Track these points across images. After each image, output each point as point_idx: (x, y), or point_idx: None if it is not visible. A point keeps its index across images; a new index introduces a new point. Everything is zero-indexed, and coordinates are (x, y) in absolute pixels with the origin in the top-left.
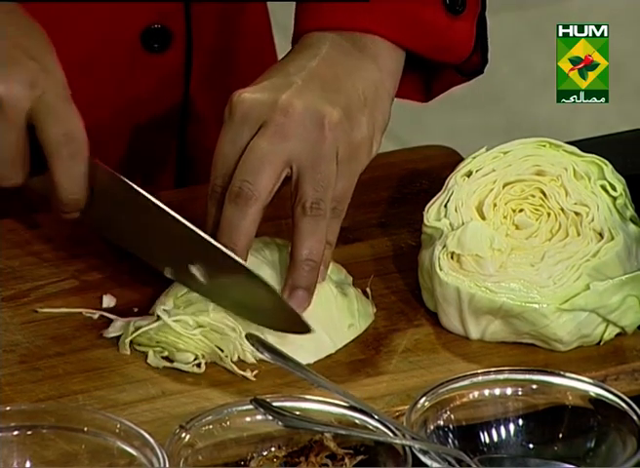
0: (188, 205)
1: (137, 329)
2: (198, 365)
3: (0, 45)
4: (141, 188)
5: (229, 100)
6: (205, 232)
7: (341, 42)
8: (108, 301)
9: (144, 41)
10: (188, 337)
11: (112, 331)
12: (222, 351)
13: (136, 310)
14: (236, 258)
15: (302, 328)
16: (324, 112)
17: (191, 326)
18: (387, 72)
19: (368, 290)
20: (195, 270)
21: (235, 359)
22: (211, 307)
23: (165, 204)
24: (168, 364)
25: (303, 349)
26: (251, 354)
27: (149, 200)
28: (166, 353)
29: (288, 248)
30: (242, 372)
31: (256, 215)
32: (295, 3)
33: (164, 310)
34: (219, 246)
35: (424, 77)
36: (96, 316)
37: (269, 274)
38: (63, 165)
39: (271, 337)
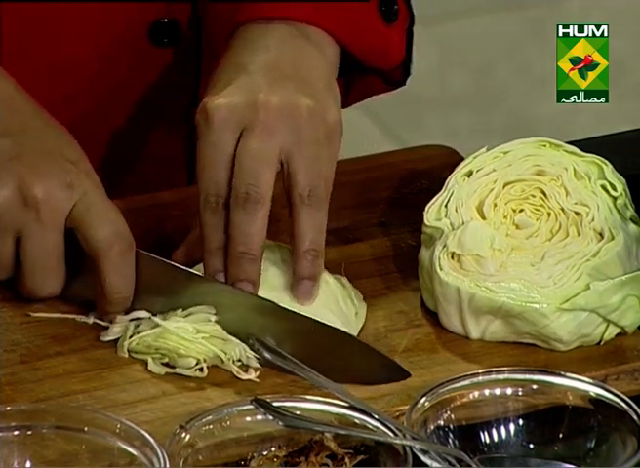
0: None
1: (134, 333)
2: (200, 369)
3: (39, 147)
4: (154, 185)
5: (202, 108)
6: (205, 243)
7: (286, 29)
8: (94, 316)
9: (153, 35)
10: (190, 341)
11: (110, 335)
12: (226, 354)
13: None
14: (320, 321)
15: (402, 374)
16: (300, 103)
17: (191, 331)
18: (330, 60)
19: (344, 278)
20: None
21: (238, 363)
22: (213, 318)
23: (176, 201)
24: (170, 370)
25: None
26: (255, 359)
27: (202, 278)
28: (166, 359)
29: (284, 246)
30: (246, 376)
31: (266, 218)
32: None
33: (163, 318)
34: (289, 309)
35: (345, 82)
36: (90, 321)
37: (275, 274)
38: (115, 264)
39: None
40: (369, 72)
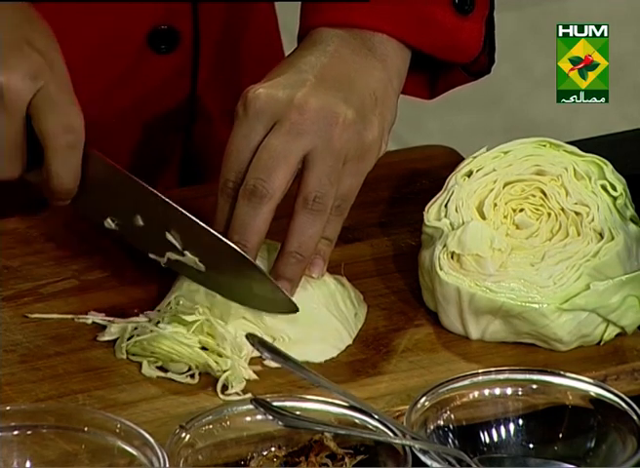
0: (193, 203)
1: (132, 336)
2: (192, 375)
3: (7, 35)
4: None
5: (243, 96)
6: (215, 226)
7: (350, 40)
8: (94, 317)
9: (151, 42)
10: (183, 348)
11: (107, 336)
12: (217, 364)
13: (136, 311)
14: (227, 242)
15: (290, 307)
16: (338, 112)
17: (185, 337)
18: (394, 72)
19: (344, 279)
20: (188, 255)
21: (225, 376)
22: (202, 317)
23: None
24: (162, 374)
25: (327, 343)
26: (247, 370)
27: (143, 186)
28: (160, 363)
29: None
30: (232, 389)
31: (268, 214)
32: (299, 2)
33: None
34: (212, 231)
35: (430, 74)
36: (89, 321)
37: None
38: (60, 155)
39: (294, 334)
40: (449, 66)
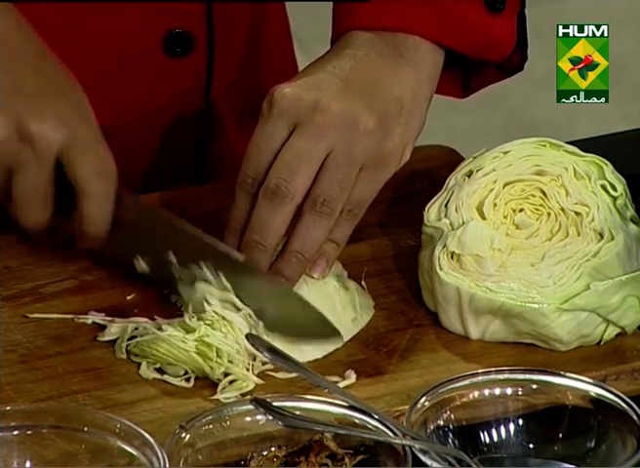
0: (205, 202)
1: (132, 336)
2: (187, 379)
3: (35, 79)
4: (159, 190)
5: (269, 94)
6: (231, 222)
7: (381, 44)
8: (94, 317)
9: (166, 46)
10: (183, 350)
11: (107, 336)
12: (212, 369)
13: (136, 311)
14: (269, 277)
15: (334, 335)
16: (360, 118)
17: (182, 341)
18: (426, 77)
19: (363, 283)
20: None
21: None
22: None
23: (181, 201)
24: (158, 376)
25: (312, 344)
26: (244, 376)
27: (176, 223)
28: (159, 365)
29: None
30: (227, 394)
31: (288, 215)
32: (315, 3)
33: (159, 325)
34: (247, 263)
35: (463, 73)
36: (89, 321)
37: None
38: (94, 201)
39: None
40: (482, 64)
